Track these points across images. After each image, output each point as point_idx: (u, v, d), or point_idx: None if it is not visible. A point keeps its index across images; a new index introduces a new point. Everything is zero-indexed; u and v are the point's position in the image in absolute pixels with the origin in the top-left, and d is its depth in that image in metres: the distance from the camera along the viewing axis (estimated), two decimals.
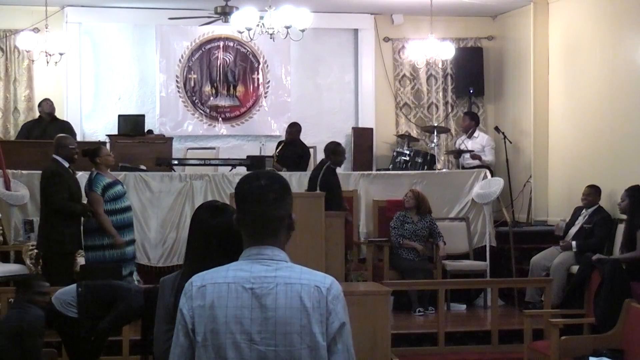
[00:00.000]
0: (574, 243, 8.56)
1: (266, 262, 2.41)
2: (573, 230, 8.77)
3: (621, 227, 8.22)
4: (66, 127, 10.19)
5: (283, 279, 2.38)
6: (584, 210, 8.82)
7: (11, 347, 5.28)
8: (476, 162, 10.83)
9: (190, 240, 3.42)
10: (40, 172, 7.97)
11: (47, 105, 10.42)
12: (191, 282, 2.45)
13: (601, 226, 8.58)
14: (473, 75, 11.96)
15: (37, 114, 10.94)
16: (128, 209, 7.93)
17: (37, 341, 5.39)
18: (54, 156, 7.72)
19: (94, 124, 11.59)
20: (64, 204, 7.59)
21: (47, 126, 10.16)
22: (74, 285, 6.00)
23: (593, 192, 8.82)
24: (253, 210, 2.44)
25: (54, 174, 7.65)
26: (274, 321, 2.34)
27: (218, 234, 3.32)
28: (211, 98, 11.83)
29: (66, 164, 7.71)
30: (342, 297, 2.41)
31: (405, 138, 11.22)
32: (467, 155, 10.96)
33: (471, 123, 11.15)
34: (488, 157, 10.96)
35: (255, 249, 2.44)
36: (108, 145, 10.29)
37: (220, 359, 2.35)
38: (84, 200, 7.84)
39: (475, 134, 11.11)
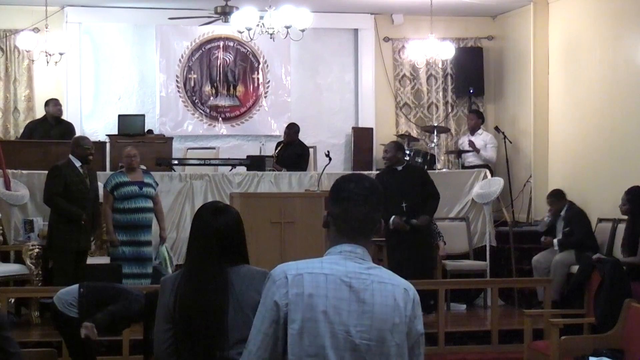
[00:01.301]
0: (555, 241, 8.71)
1: (359, 260, 2.46)
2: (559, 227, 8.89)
3: (623, 228, 8.20)
4: (69, 129, 10.19)
5: (377, 277, 2.44)
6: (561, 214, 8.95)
7: None
8: (477, 161, 10.84)
9: (191, 240, 3.42)
10: (40, 172, 8.04)
11: (55, 109, 10.29)
12: (284, 270, 2.44)
13: (576, 223, 8.73)
14: (473, 75, 11.96)
15: (37, 114, 10.94)
16: (138, 210, 8.01)
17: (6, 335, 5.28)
18: (69, 155, 7.88)
19: (94, 123, 11.59)
20: (51, 198, 7.77)
21: (51, 128, 10.14)
22: (76, 286, 6.00)
23: (555, 201, 8.96)
24: (356, 210, 2.49)
25: (53, 168, 7.85)
26: (370, 316, 2.40)
27: (219, 235, 3.32)
28: (211, 98, 11.84)
29: (78, 164, 7.83)
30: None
31: (405, 138, 11.22)
32: (469, 154, 10.98)
33: (478, 121, 11.18)
34: (489, 152, 10.95)
35: (349, 246, 2.48)
36: (108, 145, 10.32)
37: (318, 347, 2.37)
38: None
39: (479, 132, 11.12)
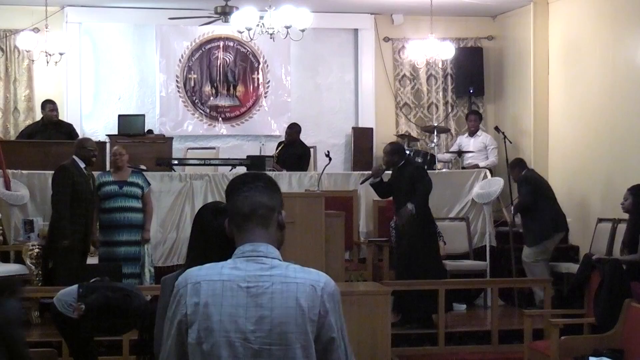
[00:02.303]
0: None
1: (261, 260, 2.40)
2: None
3: (623, 228, 8.20)
4: (70, 131, 10.16)
5: (279, 277, 2.37)
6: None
7: None
8: (475, 161, 10.85)
9: (192, 240, 3.43)
10: (40, 172, 8.06)
11: (51, 114, 10.16)
12: (186, 278, 2.42)
13: (521, 187, 9.19)
14: (473, 75, 11.96)
15: (36, 114, 10.93)
16: (116, 209, 8.03)
17: (19, 332, 5.30)
18: (73, 156, 7.93)
19: (94, 124, 11.59)
20: (58, 203, 7.80)
21: (51, 130, 10.08)
22: (75, 286, 6.00)
23: (511, 170, 9.46)
24: (241, 199, 2.44)
25: (62, 169, 7.87)
26: (269, 320, 2.33)
27: (219, 235, 3.33)
28: (211, 98, 11.83)
29: (82, 165, 7.88)
30: (337, 294, 2.41)
31: (405, 138, 11.22)
32: (468, 155, 10.97)
33: (479, 123, 11.18)
34: (491, 158, 10.97)
35: (250, 245, 2.42)
36: (108, 146, 10.31)
37: (214, 357, 2.33)
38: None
39: (478, 133, 11.12)
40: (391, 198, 8.50)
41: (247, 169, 10.03)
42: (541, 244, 9.00)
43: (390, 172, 8.49)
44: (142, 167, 9.40)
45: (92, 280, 5.96)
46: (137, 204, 8.13)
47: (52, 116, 10.18)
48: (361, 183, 8.94)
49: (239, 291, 2.35)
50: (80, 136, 10.71)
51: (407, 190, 8.06)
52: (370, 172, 8.56)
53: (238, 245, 2.45)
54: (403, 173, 8.19)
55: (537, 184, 9.21)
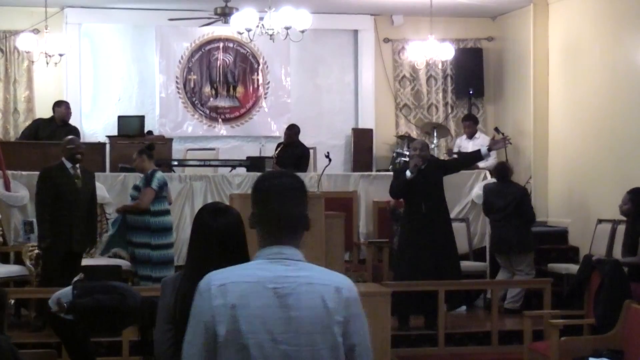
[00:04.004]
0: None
1: (287, 262, 2.41)
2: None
3: (623, 229, 8.19)
4: (74, 133, 10.17)
5: (305, 279, 2.38)
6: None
7: None
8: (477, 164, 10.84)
9: (192, 241, 3.44)
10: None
11: (65, 112, 10.18)
12: (209, 280, 2.41)
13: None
14: (473, 76, 11.95)
15: (36, 115, 10.95)
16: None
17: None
18: (62, 158, 7.89)
19: (94, 125, 11.59)
20: (37, 207, 7.83)
21: (56, 129, 10.11)
22: (70, 287, 6.00)
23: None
24: (276, 208, 2.44)
25: (43, 171, 7.89)
26: (297, 321, 2.34)
27: (219, 236, 3.33)
28: (211, 99, 11.84)
29: (69, 165, 7.82)
30: (359, 298, 2.46)
31: (405, 139, 11.21)
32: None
33: (474, 127, 11.14)
34: (490, 161, 10.94)
35: (276, 247, 2.43)
36: (108, 147, 10.31)
37: (243, 358, 2.34)
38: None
39: (477, 135, 11.10)
40: (387, 199, 8.45)
41: (247, 170, 10.05)
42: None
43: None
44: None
45: (74, 280, 5.95)
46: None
47: (66, 115, 10.19)
48: (405, 179, 7.97)
49: (266, 292, 2.36)
50: (80, 138, 10.73)
51: (439, 182, 8.02)
52: (412, 165, 7.89)
53: (263, 247, 2.46)
54: (431, 165, 8.04)
55: (485, 199, 9.19)
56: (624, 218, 8.00)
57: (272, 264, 2.40)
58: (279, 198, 2.45)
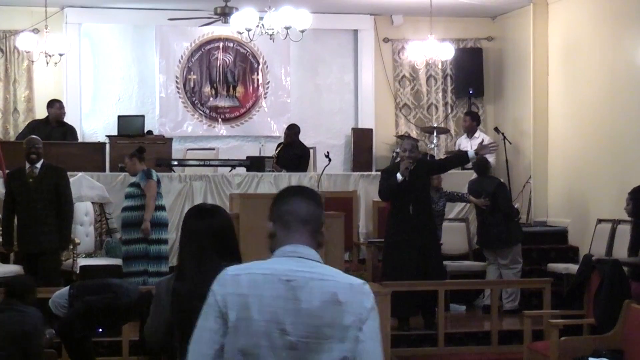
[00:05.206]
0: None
1: (301, 260, 2.47)
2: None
3: (623, 229, 8.18)
4: (69, 132, 10.16)
5: (318, 275, 2.44)
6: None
7: (14, 352, 5.16)
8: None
9: (180, 242, 3.48)
10: None
11: (59, 112, 10.17)
12: (226, 271, 2.50)
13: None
14: (473, 76, 11.96)
15: (36, 115, 10.95)
16: (122, 209, 8.46)
17: (41, 343, 5.36)
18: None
19: (94, 124, 11.59)
20: (2, 210, 7.94)
21: (52, 130, 10.09)
22: (67, 288, 6.01)
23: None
24: (299, 204, 2.53)
25: (4, 180, 8.09)
26: (307, 313, 2.39)
27: (209, 236, 3.35)
28: (211, 99, 11.84)
29: (28, 165, 7.87)
30: (373, 296, 2.48)
31: (405, 139, 11.20)
32: None
33: (472, 123, 11.12)
34: (489, 160, 10.93)
35: (291, 246, 2.50)
36: (108, 146, 10.31)
37: (251, 345, 2.39)
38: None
39: (476, 135, 11.10)
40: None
41: (247, 170, 10.05)
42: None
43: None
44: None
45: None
46: (131, 203, 8.26)
47: (59, 114, 10.17)
48: (396, 182, 7.93)
49: (279, 284, 2.42)
50: (80, 138, 10.73)
51: (427, 183, 8.10)
52: (403, 168, 7.85)
53: (279, 246, 2.52)
54: (420, 166, 8.04)
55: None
56: (624, 218, 8.01)
57: (288, 260, 2.47)
58: (299, 202, 2.55)
